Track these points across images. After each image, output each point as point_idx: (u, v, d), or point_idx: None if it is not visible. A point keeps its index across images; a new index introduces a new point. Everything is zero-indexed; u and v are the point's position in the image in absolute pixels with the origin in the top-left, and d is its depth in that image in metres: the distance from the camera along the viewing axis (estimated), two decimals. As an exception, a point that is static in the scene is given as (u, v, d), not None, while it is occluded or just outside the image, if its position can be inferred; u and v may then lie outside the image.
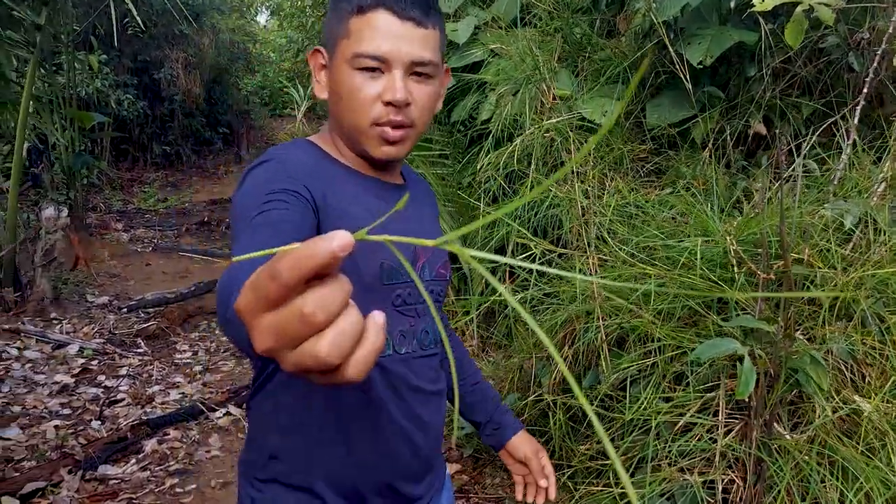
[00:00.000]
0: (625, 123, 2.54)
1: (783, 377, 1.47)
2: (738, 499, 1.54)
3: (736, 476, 1.56)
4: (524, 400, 2.16)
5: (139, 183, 8.62)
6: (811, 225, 1.64)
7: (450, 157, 3.35)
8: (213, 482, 2.55)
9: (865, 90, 1.93)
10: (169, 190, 8.60)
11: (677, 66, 2.20)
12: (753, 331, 1.51)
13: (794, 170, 1.89)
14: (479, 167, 2.73)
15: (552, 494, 1.12)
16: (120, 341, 3.90)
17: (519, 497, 1.15)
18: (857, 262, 1.59)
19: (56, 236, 4.46)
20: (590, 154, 2.34)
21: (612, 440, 1.77)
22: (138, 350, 3.82)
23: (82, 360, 3.57)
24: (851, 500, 1.39)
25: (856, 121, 1.91)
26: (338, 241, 0.31)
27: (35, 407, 3.03)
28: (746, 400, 1.53)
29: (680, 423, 1.61)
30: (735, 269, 1.64)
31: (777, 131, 2.18)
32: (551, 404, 2.03)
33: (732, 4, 2.19)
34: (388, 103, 0.85)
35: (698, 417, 1.60)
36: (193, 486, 2.53)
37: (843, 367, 1.54)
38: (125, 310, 4.39)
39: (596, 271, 2.04)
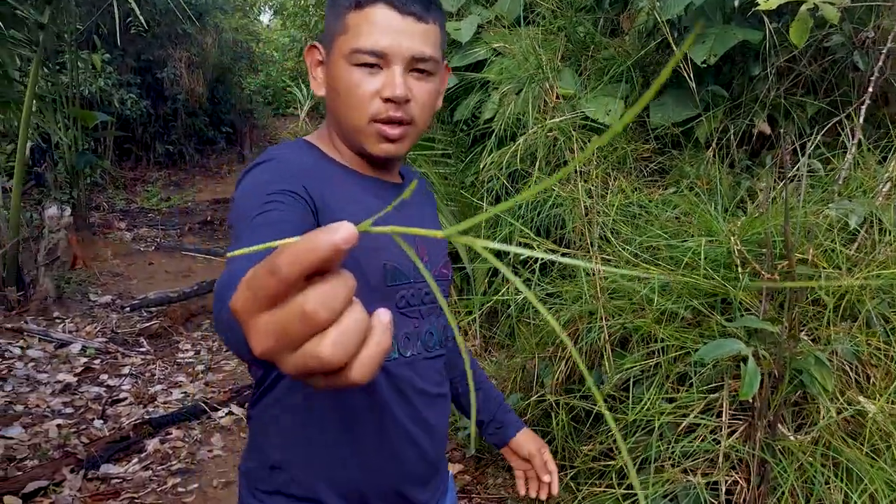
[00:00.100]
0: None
1: (787, 378, 1.46)
2: (741, 500, 1.54)
3: (739, 477, 1.55)
4: (527, 400, 2.16)
5: (142, 182, 8.64)
6: (815, 225, 1.63)
7: (452, 157, 3.35)
8: (216, 482, 2.55)
9: (871, 89, 1.92)
10: (172, 189, 8.62)
11: (681, 65, 2.19)
12: (757, 331, 1.50)
13: (798, 169, 1.88)
14: (481, 166, 2.72)
15: (555, 490, 1.11)
16: (122, 340, 3.90)
17: (521, 491, 1.14)
18: (862, 262, 1.58)
19: (59, 235, 4.47)
20: (593, 153, 2.33)
21: (615, 441, 1.76)
22: (141, 349, 3.82)
23: (85, 360, 3.57)
24: (856, 502, 1.38)
25: (861, 120, 1.90)
26: (341, 233, 0.29)
27: (38, 406, 3.03)
28: (750, 401, 1.53)
29: (683, 424, 1.60)
30: (739, 269, 1.63)
31: (781, 131, 2.17)
32: (554, 405, 2.03)
33: (737, 3, 2.17)
34: (387, 100, 0.83)
35: (702, 418, 1.59)
36: (195, 485, 2.53)
37: (847, 368, 1.54)
38: (128, 309, 4.40)
39: (599, 271, 2.04)
